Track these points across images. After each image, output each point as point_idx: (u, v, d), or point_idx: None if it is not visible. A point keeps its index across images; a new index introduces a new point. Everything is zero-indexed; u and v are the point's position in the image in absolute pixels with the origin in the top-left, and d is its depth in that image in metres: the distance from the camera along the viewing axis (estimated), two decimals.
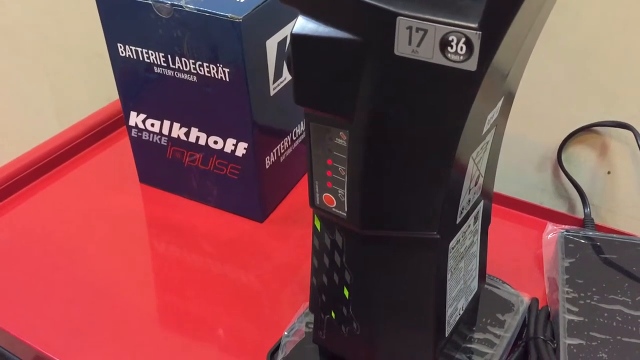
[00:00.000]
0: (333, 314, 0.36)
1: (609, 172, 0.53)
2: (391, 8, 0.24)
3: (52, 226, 0.54)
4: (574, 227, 0.49)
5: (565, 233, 0.47)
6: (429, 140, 0.28)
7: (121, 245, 0.52)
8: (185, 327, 0.44)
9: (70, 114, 0.81)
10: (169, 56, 0.47)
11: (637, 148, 0.48)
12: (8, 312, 0.46)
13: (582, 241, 0.47)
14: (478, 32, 0.23)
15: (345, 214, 0.32)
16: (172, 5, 0.45)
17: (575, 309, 0.41)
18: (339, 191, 0.31)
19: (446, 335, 0.35)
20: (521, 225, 0.52)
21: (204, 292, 0.47)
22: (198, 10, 0.44)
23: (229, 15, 0.43)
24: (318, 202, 0.33)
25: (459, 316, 0.37)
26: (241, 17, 0.43)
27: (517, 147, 0.55)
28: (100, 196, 0.57)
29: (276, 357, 0.40)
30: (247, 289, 0.48)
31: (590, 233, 0.48)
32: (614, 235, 0.47)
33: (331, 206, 0.32)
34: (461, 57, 0.24)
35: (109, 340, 0.43)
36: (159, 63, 0.48)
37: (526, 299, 0.43)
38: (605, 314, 0.41)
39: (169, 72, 0.48)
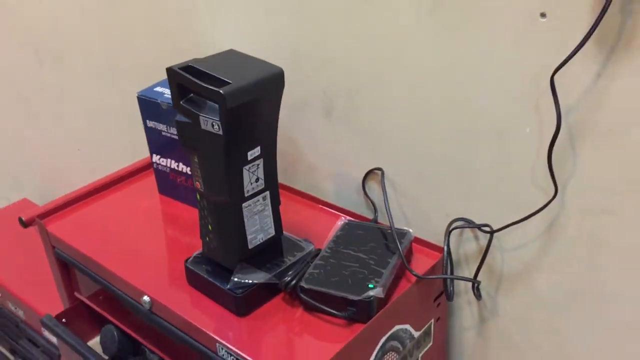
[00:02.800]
0: (207, 238, 0.84)
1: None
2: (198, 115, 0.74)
3: (123, 212, 1.06)
4: (355, 220, 0.94)
5: (346, 220, 0.92)
6: (216, 159, 0.76)
7: (148, 221, 1.03)
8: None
9: (134, 155, 1.36)
10: (171, 129, 0.99)
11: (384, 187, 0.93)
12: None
13: (353, 225, 0.92)
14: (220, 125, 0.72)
15: (202, 189, 0.80)
16: (168, 103, 0.97)
17: (328, 251, 0.86)
18: (199, 182, 0.80)
19: (249, 248, 0.82)
20: (336, 217, 0.97)
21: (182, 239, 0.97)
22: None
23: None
24: (196, 186, 0.82)
25: (259, 242, 0.83)
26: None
27: (346, 182, 1.01)
28: (140, 198, 1.09)
29: (187, 259, 0.88)
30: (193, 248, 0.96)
31: (361, 223, 0.92)
32: (370, 223, 0.92)
33: (198, 187, 0.81)
34: (217, 129, 0.73)
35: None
36: (167, 132, 1.00)
37: (313, 247, 0.88)
38: (344, 256, 0.85)
39: (172, 136, 1.00)
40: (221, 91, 0.70)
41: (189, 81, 0.74)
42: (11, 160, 1.90)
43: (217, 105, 0.72)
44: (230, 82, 0.71)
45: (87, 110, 1.50)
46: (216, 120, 0.72)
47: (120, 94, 1.37)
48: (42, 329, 1.41)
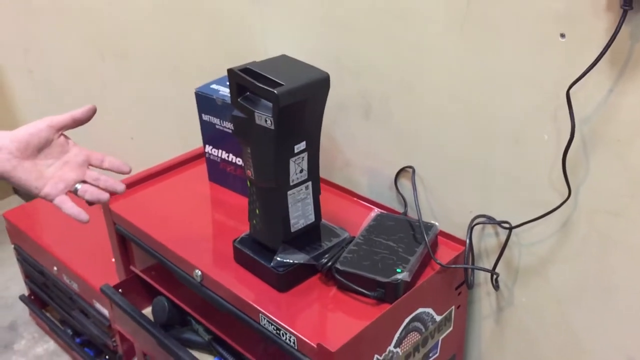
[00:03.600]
0: (254, 221, 0.95)
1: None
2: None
3: (177, 195, 1.18)
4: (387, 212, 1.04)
5: (379, 212, 1.02)
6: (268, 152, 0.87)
7: (198, 204, 1.14)
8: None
9: (184, 145, 1.47)
10: (224, 122, 1.10)
11: (414, 184, 1.02)
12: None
13: (385, 216, 1.01)
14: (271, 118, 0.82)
15: (253, 177, 0.91)
16: (222, 99, 1.08)
17: (362, 238, 0.96)
18: (250, 171, 0.91)
19: (292, 231, 0.92)
20: (368, 209, 1.06)
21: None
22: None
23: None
24: (247, 174, 0.92)
25: (301, 226, 0.93)
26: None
27: (380, 178, 1.10)
28: (192, 184, 1.21)
29: (235, 240, 0.98)
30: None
31: (392, 215, 1.02)
32: (401, 216, 1.01)
33: (249, 175, 0.91)
34: (270, 124, 0.83)
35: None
36: (220, 125, 1.11)
37: (348, 234, 0.98)
38: (375, 243, 0.95)
39: (224, 129, 1.11)
40: (275, 91, 0.80)
41: (246, 81, 0.84)
42: None
43: (270, 104, 0.82)
44: (283, 83, 0.82)
45: (143, 104, 1.62)
46: (269, 117, 0.83)
47: (174, 91, 1.49)
48: (94, 300, 1.54)
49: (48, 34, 1.85)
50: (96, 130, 1.86)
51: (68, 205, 0.88)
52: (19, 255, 1.81)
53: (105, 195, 0.91)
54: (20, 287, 1.94)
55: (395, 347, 0.91)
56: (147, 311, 1.18)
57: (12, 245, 1.84)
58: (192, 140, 1.45)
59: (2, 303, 2.02)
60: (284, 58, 0.91)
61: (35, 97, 2.11)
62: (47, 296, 1.77)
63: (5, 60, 2.18)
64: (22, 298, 1.88)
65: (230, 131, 1.10)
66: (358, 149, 1.14)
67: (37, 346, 1.84)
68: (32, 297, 1.89)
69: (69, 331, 1.75)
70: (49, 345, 1.85)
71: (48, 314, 1.82)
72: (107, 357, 1.64)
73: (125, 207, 1.13)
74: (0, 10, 2.02)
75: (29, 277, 1.84)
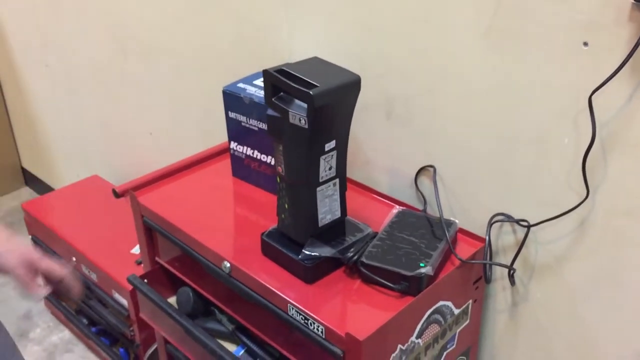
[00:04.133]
0: (283, 215, 0.99)
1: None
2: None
3: (202, 189, 1.22)
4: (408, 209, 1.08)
5: (401, 209, 1.06)
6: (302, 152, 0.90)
7: (223, 199, 1.18)
8: None
9: (204, 141, 1.51)
10: (251, 120, 1.14)
11: (435, 183, 1.07)
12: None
13: (406, 213, 1.05)
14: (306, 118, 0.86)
15: (283, 173, 0.95)
16: (249, 97, 1.12)
17: (385, 234, 1.00)
18: (281, 167, 0.95)
19: (319, 226, 0.96)
20: (389, 206, 1.10)
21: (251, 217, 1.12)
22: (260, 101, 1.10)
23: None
24: (278, 170, 0.96)
25: (328, 221, 0.97)
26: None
27: (400, 176, 1.14)
28: (217, 179, 1.24)
29: (263, 233, 1.02)
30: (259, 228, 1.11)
31: (414, 212, 1.06)
32: (421, 213, 1.06)
33: (280, 172, 0.95)
34: (303, 124, 0.87)
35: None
36: (246, 123, 1.15)
37: (371, 230, 1.02)
38: (398, 239, 0.99)
39: (250, 127, 1.15)
40: (310, 92, 0.84)
41: (282, 82, 0.88)
42: (86, 139, 2.08)
43: (305, 104, 0.86)
44: (317, 85, 0.86)
45: (163, 100, 1.66)
46: (303, 116, 0.86)
47: (197, 89, 1.53)
48: (113, 290, 1.58)
49: (68, 30, 1.89)
50: (116, 125, 1.90)
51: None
52: (36, 246, 1.84)
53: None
54: None
55: (417, 338, 0.95)
56: (171, 301, 1.22)
57: (30, 237, 1.87)
58: (211, 136, 1.49)
59: (17, 292, 2.05)
60: (316, 60, 0.95)
61: (53, 93, 2.15)
62: None
63: (24, 55, 2.21)
64: None
65: (256, 129, 1.14)
66: (379, 148, 1.18)
67: (52, 335, 1.88)
68: None
69: (85, 320, 1.79)
70: (64, 334, 1.89)
71: (64, 303, 1.86)
72: (123, 345, 1.68)
73: (153, 200, 1.17)
74: (20, 6, 2.05)
75: None
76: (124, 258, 1.58)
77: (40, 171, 2.54)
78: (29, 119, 2.38)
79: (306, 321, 0.91)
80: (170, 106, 1.65)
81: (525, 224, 0.98)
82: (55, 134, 2.28)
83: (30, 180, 2.63)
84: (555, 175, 0.93)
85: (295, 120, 0.88)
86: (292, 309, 0.93)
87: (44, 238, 1.81)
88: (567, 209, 0.92)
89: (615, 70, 0.79)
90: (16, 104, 2.44)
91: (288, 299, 0.93)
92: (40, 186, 2.54)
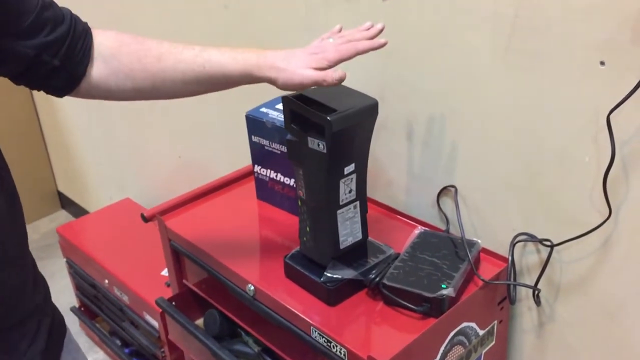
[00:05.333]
0: (305, 238, 1.00)
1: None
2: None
3: (228, 212, 1.24)
4: (430, 229, 1.08)
5: (422, 229, 1.06)
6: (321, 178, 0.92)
7: (248, 221, 1.20)
8: None
9: (230, 164, 1.54)
10: (273, 144, 1.16)
11: (457, 203, 1.06)
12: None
13: (428, 234, 1.05)
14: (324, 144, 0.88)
15: (304, 197, 0.96)
16: (272, 122, 1.14)
17: (407, 255, 1.00)
18: (301, 191, 0.96)
19: (341, 248, 0.97)
20: (411, 227, 1.11)
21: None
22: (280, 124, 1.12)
23: None
24: (299, 194, 0.98)
25: (349, 243, 0.98)
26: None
27: (422, 196, 1.15)
28: (241, 202, 1.27)
29: (286, 256, 1.04)
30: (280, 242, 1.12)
31: (436, 232, 1.06)
32: (443, 233, 1.06)
33: (301, 195, 0.97)
34: (322, 148, 0.88)
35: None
36: (269, 146, 1.17)
37: (393, 251, 1.03)
38: (420, 260, 0.99)
39: (273, 150, 1.17)
40: (328, 118, 0.86)
41: (300, 107, 0.90)
42: (118, 163, 2.14)
43: (323, 128, 0.88)
44: (336, 109, 0.87)
45: (190, 124, 1.70)
46: (321, 141, 0.88)
47: (221, 114, 1.56)
48: (144, 312, 1.61)
49: None
50: (146, 149, 1.95)
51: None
52: (71, 268, 1.89)
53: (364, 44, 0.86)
54: (69, 299, 2.03)
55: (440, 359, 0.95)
56: (199, 323, 1.24)
57: (65, 259, 1.92)
58: (237, 159, 1.52)
59: None
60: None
61: (86, 119, 2.21)
62: (97, 308, 1.84)
63: None
64: (73, 310, 1.97)
65: (278, 152, 1.16)
66: (401, 169, 1.18)
67: (88, 356, 1.90)
68: (83, 309, 1.97)
69: (118, 342, 1.83)
70: (99, 355, 1.92)
71: (98, 325, 1.90)
72: None
73: (179, 224, 1.19)
74: None
75: (79, 290, 1.93)
76: (154, 280, 1.61)
77: (75, 195, 2.61)
78: (64, 145, 2.45)
79: (329, 344, 0.91)
80: (198, 130, 1.68)
81: (548, 243, 0.98)
82: (89, 159, 2.34)
83: (66, 203, 2.70)
84: (577, 194, 0.93)
85: (314, 145, 0.89)
86: (315, 331, 0.93)
87: (77, 261, 1.86)
88: (590, 228, 0.91)
89: (633, 89, 0.79)
90: (52, 131, 2.52)
91: (311, 321, 0.94)
92: (75, 209, 2.61)
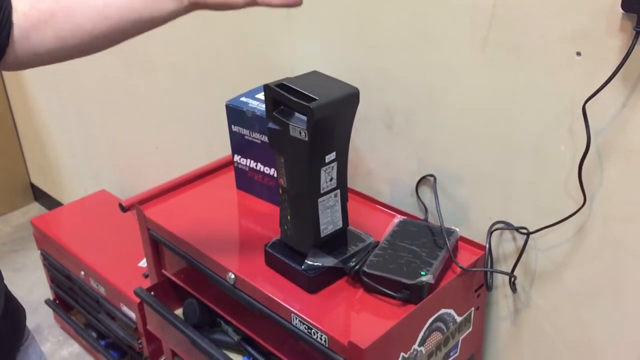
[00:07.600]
0: (285, 226, 1.01)
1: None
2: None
3: (207, 202, 1.24)
4: (409, 218, 1.09)
5: (402, 218, 1.08)
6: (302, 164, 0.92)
7: (227, 211, 1.20)
8: None
9: (209, 154, 1.54)
10: (253, 133, 1.16)
11: (436, 192, 1.08)
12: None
13: (407, 222, 1.07)
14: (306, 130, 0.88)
15: (285, 185, 0.97)
16: (251, 111, 1.14)
17: (386, 243, 1.02)
18: (282, 179, 0.96)
19: (321, 236, 0.98)
20: (391, 216, 1.12)
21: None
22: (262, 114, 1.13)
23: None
24: (280, 182, 0.98)
25: (329, 232, 0.99)
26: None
27: (401, 186, 1.16)
28: (221, 192, 1.26)
29: (267, 244, 1.04)
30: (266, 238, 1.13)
31: (415, 221, 1.08)
32: (422, 222, 1.07)
33: (282, 183, 0.97)
34: (303, 136, 0.89)
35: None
36: (249, 136, 1.17)
37: (373, 239, 1.04)
38: (400, 248, 1.01)
39: (253, 140, 1.17)
40: (310, 106, 0.86)
41: (282, 96, 0.90)
42: (93, 154, 2.11)
43: (304, 117, 0.88)
44: (317, 98, 0.88)
45: (168, 115, 1.69)
46: (303, 129, 0.88)
47: (200, 103, 1.56)
48: (121, 304, 1.60)
49: None
50: (122, 139, 1.93)
51: None
52: (45, 260, 1.87)
53: None
54: (43, 291, 2.01)
55: (419, 345, 0.96)
56: (177, 313, 1.24)
57: (39, 251, 1.90)
58: (215, 149, 1.51)
59: (26, 307, 2.07)
60: (315, 74, 0.97)
61: (60, 109, 2.18)
62: (73, 300, 1.83)
63: (32, 74, 2.24)
64: (47, 302, 1.94)
65: (259, 142, 1.16)
66: (380, 159, 1.19)
67: (62, 349, 1.90)
68: (58, 301, 1.95)
69: (94, 334, 1.81)
70: (74, 347, 1.91)
71: (73, 317, 1.88)
72: (132, 358, 1.70)
73: (158, 213, 1.19)
74: None
75: (54, 282, 1.90)
76: (131, 271, 1.60)
77: (49, 187, 2.58)
78: (38, 136, 2.42)
79: (309, 330, 0.92)
80: (175, 120, 1.68)
81: (524, 231, 1.00)
82: (63, 150, 2.31)
83: (39, 195, 2.66)
84: (553, 182, 0.95)
85: (296, 133, 0.90)
86: (296, 318, 0.94)
87: (52, 253, 1.83)
88: (565, 216, 0.93)
89: (608, 79, 0.81)
90: (25, 122, 2.48)
91: (291, 309, 0.95)
92: (49, 202, 2.58)
